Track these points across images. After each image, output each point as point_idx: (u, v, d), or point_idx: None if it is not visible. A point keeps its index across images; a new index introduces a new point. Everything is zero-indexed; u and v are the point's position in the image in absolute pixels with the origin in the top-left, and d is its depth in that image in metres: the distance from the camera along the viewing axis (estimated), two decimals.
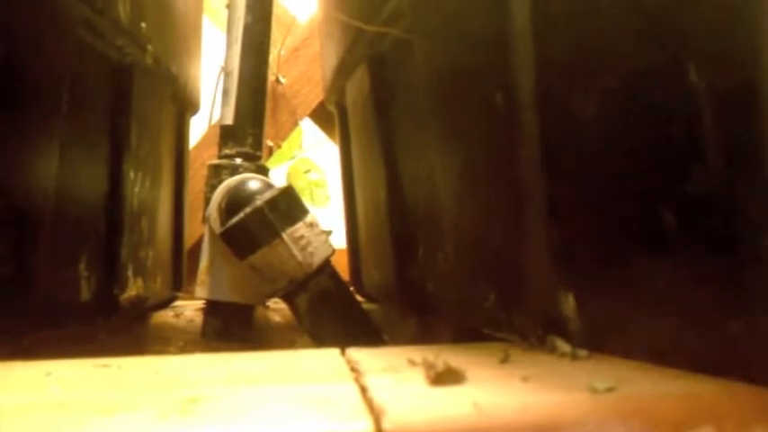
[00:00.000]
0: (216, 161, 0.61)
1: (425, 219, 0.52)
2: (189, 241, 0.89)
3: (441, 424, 0.22)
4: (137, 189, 0.61)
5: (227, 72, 0.63)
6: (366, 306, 0.64)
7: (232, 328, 0.58)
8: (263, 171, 0.61)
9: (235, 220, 0.52)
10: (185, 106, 0.83)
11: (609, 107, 0.30)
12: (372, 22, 0.54)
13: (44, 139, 0.45)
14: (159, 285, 0.71)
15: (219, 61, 0.80)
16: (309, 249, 0.52)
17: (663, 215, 0.27)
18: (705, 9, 0.25)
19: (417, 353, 0.31)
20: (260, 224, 0.52)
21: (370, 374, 0.28)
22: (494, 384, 0.26)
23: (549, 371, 0.29)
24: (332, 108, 0.86)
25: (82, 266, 0.51)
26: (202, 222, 0.59)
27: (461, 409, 0.23)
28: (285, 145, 1.07)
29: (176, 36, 0.73)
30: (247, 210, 0.52)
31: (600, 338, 0.31)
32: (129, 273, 0.59)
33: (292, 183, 0.82)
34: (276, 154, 1.06)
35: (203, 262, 0.58)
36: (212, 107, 1.00)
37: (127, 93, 0.59)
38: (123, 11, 0.53)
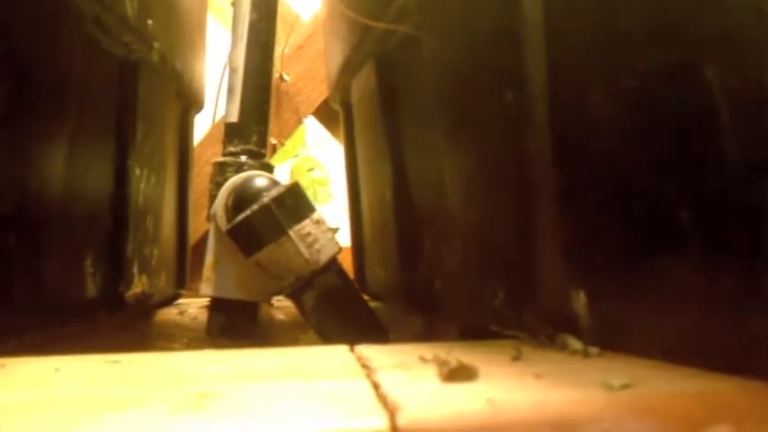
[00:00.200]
0: (221, 159, 0.61)
1: (432, 216, 0.52)
2: (192, 239, 0.89)
3: (456, 420, 0.22)
4: (142, 186, 0.61)
5: (231, 69, 0.63)
6: (370, 304, 0.64)
7: (237, 325, 0.58)
8: (268, 168, 0.60)
9: (241, 217, 0.52)
10: (190, 103, 0.83)
11: (622, 103, 0.29)
12: (380, 19, 0.54)
13: (53, 137, 0.44)
14: (163, 282, 0.71)
15: (223, 59, 0.80)
16: (316, 246, 0.52)
17: (679, 213, 0.27)
18: (722, 6, 0.25)
19: (428, 350, 0.31)
20: (267, 221, 0.51)
21: (382, 371, 0.28)
22: (507, 381, 0.26)
23: (562, 368, 0.28)
24: (336, 106, 0.85)
25: (88, 263, 0.51)
26: (207, 220, 0.59)
27: (476, 405, 0.22)
28: (288, 143, 1.07)
29: (181, 33, 0.73)
30: (254, 207, 0.52)
31: (612, 336, 0.31)
32: (135, 270, 0.59)
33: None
34: (279, 152, 1.05)
35: (209, 259, 0.58)
36: (216, 104, 1.00)
37: (133, 90, 0.59)
38: (131, 7, 0.53)
